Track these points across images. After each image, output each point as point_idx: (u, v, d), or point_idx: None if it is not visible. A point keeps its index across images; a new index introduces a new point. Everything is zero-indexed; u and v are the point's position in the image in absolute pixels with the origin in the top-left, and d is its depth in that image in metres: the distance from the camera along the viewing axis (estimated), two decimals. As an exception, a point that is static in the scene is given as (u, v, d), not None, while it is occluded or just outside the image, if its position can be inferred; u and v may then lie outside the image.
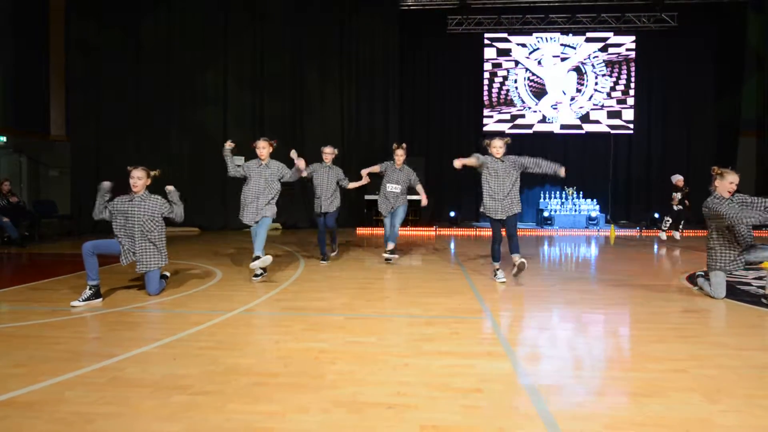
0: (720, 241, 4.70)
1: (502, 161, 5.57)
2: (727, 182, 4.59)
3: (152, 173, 4.80)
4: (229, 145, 5.72)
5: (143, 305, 4.52)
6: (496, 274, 5.73)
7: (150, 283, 4.83)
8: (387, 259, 6.90)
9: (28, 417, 2.34)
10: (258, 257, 5.46)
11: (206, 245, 9.35)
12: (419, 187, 6.98)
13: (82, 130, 11.91)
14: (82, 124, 11.91)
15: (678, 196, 9.63)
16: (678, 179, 9.66)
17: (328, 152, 6.90)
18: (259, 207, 5.64)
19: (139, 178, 4.67)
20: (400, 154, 6.80)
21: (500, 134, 5.77)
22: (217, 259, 7.39)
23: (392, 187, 6.79)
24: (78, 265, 6.73)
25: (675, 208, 9.67)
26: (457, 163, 5.64)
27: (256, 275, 5.72)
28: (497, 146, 5.56)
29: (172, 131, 12.56)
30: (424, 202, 6.98)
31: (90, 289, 4.55)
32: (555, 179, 14.18)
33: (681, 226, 9.87)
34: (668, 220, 9.94)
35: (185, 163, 12.59)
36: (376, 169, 6.98)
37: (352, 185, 7.01)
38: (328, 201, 6.84)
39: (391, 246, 6.87)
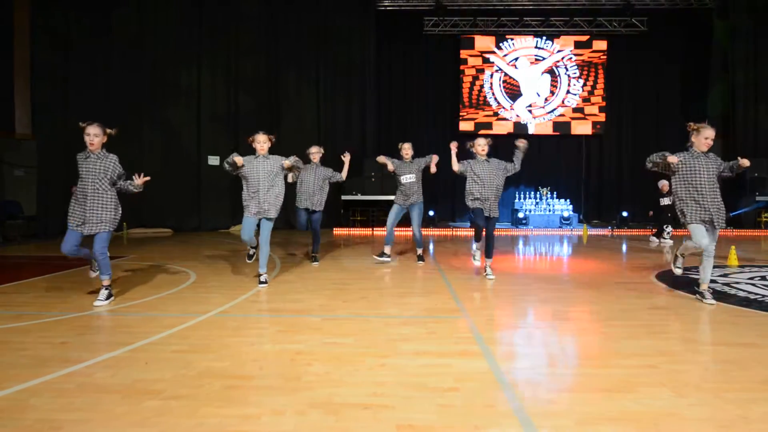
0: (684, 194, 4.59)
1: (488, 161, 5.65)
2: (702, 137, 4.53)
3: (108, 131, 4.56)
4: (239, 160, 5.27)
5: (113, 309, 4.41)
6: (474, 256, 6.06)
7: (97, 242, 4.49)
8: (420, 260, 7.11)
9: (-10, 426, 2.26)
10: (263, 281, 5.43)
11: (179, 246, 9.19)
12: (433, 159, 6.84)
13: (49, 129, 11.54)
14: (48, 123, 11.54)
15: (663, 201, 9.46)
16: (663, 184, 9.49)
17: (315, 152, 6.96)
18: (260, 203, 5.29)
19: (95, 135, 4.44)
20: (407, 148, 6.92)
21: (482, 136, 5.91)
22: (190, 261, 7.26)
23: (407, 178, 6.87)
24: (44, 268, 6.54)
25: (669, 214, 9.45)
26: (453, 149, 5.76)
27: (250, 256, 5.85)
28: (482, 145, 5.64)
29: (144, 130, 12.30)
30: (434, 169, 6.86)
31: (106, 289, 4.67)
32: (530, 179, 14.40)
33: (669, 231, 9.81)
34: (668, 230, 9.83)
35: (157, 163, 12.33)
36: (389, 165, 6.96)
37: (344, 174, 7.04)
38: (314, 198, 6.87)
39: (420, 251, 7.13)
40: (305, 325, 3.89)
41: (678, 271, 4.97)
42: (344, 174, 7.07)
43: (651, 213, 10.00)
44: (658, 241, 9.87)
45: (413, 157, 6.98)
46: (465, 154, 5.83)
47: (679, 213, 4.70)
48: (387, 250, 7.08)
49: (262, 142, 5.31)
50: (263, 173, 5.29)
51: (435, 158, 6.78)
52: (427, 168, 6.90)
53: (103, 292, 4.62)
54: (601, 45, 14.38)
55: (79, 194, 4.50)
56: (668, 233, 9.92)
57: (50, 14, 11.51)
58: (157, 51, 12.28)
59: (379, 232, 11.68)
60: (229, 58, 12.82)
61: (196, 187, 12.52)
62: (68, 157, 11.44)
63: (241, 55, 12.87)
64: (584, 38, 14.39)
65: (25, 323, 3.91)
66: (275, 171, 5.34)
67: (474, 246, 6.04)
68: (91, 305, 4.48)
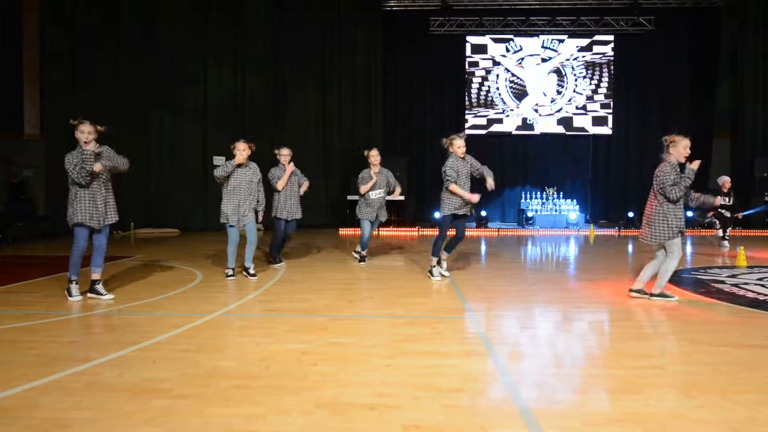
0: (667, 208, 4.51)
1: (464, 159, 5.60)
2: (681, 147, 4.50)
3: (99, 128, 4.74)
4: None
5: (120, 308, 4.44)
6: (431, 272, 5.84)
7: (105, 235, 4.75)
8: (362, 259, 7.05)
9: (1, 424, 2.28)
10: (253, 273, 5.80)
11: (186, 246, 9.23)
12: (398, 189, 6.96)
13: (57, 129, 11.62)
14: (57, 123, 11.62)
15: (725, 200, 8.73)
16: (725, 180, 8.88)
17: (286, 154, 6.52)
18: (241, 213, 5.68)
19: (89, 133, 4.60)
20: (374, 155, 6.69)
21: (457, 131, 5.80)
22: (197, 261, 7.30)
23: (377, 193, 6.71)
24: (53, 267, 6.58)
25: (727, 214, 8.80)
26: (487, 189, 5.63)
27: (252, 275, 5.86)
28: (460, 146, 5.53)
29: (152, 131, 12.37)
30: (398, 194, 6.96)
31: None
32: (536, 179, 14.34)
33: (728, 233, 8.96)
34: (720, 231, 9.01)
35: (165, 164, 12.41)
36: (368, 186, 6.70)
37: (303, 189, 6.74)
38: (295, 206, 6.57)
39: (358, 247, 7.09)
40: (311, 324, 3.90)
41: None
42: (303, 189, 6.70)
43: (712, 213, 9.10)
44: (726, 244, 8.90)
45: (381, 164, 6.71)
46: (443, 151, 5.80)
47: (664, 225, 4.48)
48: (365, 252, 7.12)
49: (241, 150, 5.56)
50: (245, 182, 5.66)
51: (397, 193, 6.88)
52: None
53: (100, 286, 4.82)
54: (607, 44, 14.30)
55: (95, 190, 4.60)
56: (720, 231, 8.98)
57: (59, 15, 11.61)
58: (162, 52, 12.34)
59: (384, 232, 11.68)
60: (236, 61, 12.87)
61: (203, 187, 12.56)
62: (76, 158, 11.55)
63: (247, 57, 12.91)
64: (591, 38, 14.31)
65: (33, 322, 3.95)
66: (254, 180, 5.73)
67: (443, 258, 5.90)
68: (101, 304, 4.52)
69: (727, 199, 8.90)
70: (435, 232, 12.06)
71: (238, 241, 5.75)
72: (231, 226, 5.68)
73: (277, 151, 6.61)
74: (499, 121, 14.40)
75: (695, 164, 4.43)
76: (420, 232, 12.11)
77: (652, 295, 4.74)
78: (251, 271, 5.83)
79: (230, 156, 5.77)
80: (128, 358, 3.13)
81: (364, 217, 6.84)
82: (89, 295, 4.78)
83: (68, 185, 4.62)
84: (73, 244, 4.65)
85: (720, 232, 9.07)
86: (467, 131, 14.16)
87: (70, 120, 4.65)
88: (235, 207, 5.66)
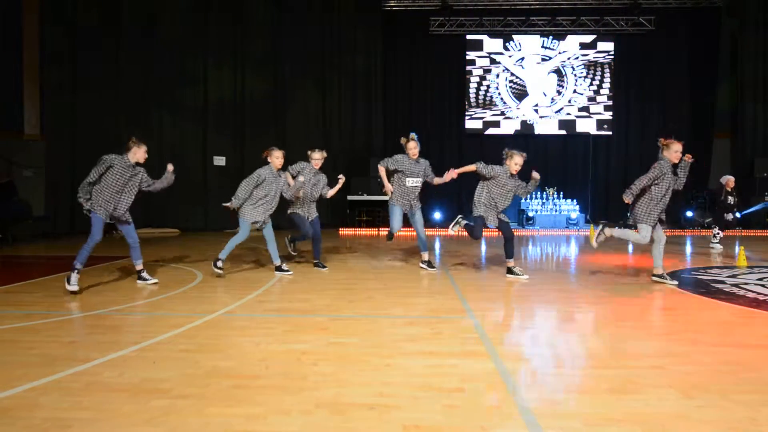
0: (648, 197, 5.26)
1: (514, 178, 5.73)
2: (672, 151, 5.06)
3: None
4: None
5: (121, 308, 4.44)
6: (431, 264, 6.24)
7: (132, 231, 5.39)
8: (429, 266, 6.41)
9: (1, 424, 2.28)
10: (281, 268, 6.15)
11: (186, 246, 9.23)
12: (436, 180, 6.38)
13: (58, 129, 11.63)
14: (57, 123, 11.63)
15: (729, 200, 8.64)
16: (728, 179, 8.74)
17: (318, 158, 6.44)
18: (264, 217, 5.92)
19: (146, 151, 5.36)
20: (413, 146, 6.15)
21: (518, 152, 5.84)
22: (197, 261, 7.30)
23: (413, 181, 6.21)
24: (53, 267, 6.58)
25: (728, 217, 8.66)
26: (453, 174, 5.75)
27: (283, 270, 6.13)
28: (519, 163, 5.64)
29: (152, 131, 12.37)
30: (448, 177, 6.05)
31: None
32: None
33: (721, 234, 8.79)
34: (719, 233, 8.73)
35: (165, 164, 12.40)
36: (386, 182, 6.36)
37: (331, 193, 6.67)
38: (313, 206, 6.57)
39: (426, 256, 6.44)
40: (311, 324, 3.90)
41: (595, 245, 5.64)
42: (331, 193, 6.65)
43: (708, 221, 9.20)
44: (719, 245, 8.72)
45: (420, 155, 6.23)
46: (495, 159, 5.88)
47: (639, 210, 5.23)
48: (427, 257, 6.50)
49: (278, 157, 5.90)
50: (274, 189, 5.93)
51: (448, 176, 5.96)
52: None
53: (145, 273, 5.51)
54: (607, 44, 14.30)
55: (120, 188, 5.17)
56: (717, 236, 8.76)
57: (59, 15, 11.61)
58: (163, 53, 12.36)
59: (384, 232, 11.67)
60: (236, 61, 12.88)
61: (203, 187, 12.57)
62: (76, 157, 11.59)
63: (247, 57, 12.92)
64: (591, 37, 14.32)
65: (33, 322, 3.94)
66: (279, 190, 5.99)
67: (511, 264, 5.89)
68: (102, 304, 4.52)
69: (730, 198, 8.80)
70: (434, 232, 12.12)
71: (245, 238, 5.86)
72: (247, 223, 5.84)
73: (310, 153, 6.49)
74: (499, 120, 14.40)
75: (688, 157, 5.14)
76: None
77: (653, 274, 5.43)
78: (284, 267, 6.16)
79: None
80: (128, 358, 3.12)
81: (395, 203, 6.31)
82: (138, 282, 5.47)
83: (97, 174, 5.01)
84: (89, 235, 4.96)
85: (718, 235, 8.87)
86: (467, 132, 14.17)
87: (132, 138, 5.29)
88: (262, 212, 5.87)
